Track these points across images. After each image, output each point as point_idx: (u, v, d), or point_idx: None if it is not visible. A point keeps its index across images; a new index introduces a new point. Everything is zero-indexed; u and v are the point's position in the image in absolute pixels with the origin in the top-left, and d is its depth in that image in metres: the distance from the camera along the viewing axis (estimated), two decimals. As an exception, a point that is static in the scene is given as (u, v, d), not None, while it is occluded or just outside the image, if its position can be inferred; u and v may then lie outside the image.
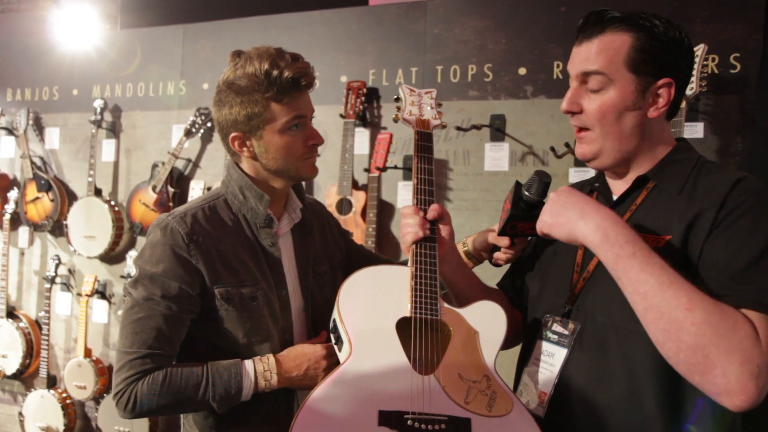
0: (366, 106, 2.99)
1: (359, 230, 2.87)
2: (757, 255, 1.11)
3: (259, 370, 1.42)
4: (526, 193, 1.38)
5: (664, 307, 1.06)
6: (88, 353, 3.38)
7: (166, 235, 1.41)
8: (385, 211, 2.92)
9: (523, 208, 1.39)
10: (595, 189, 1.41)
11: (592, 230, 1.17)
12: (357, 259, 1.71)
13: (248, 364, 1.43)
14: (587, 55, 1.25)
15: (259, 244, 1.49)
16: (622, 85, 1.24)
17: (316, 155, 1.52)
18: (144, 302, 1.39)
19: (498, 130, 2.77)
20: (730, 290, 1.10)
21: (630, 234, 1.15)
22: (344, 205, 2.91)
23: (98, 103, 3.45)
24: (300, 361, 1.45)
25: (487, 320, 1.38)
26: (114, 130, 3.55)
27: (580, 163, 2.61)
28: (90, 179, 3.42)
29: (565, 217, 1.22)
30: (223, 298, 1.42)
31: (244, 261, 1.46)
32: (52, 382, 3.56)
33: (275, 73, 1.39)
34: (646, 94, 1.25)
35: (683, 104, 2.28)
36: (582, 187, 1.50)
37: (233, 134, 1.46)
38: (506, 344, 1.39)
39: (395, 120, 1.59)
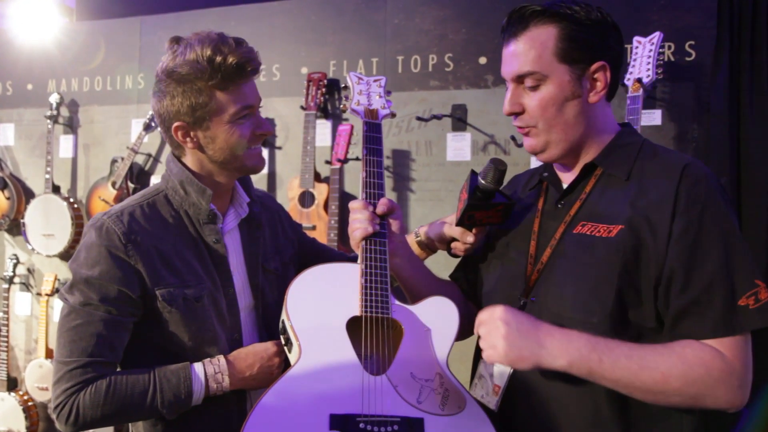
0: (327, 98, 2.93)
1: (322, 223, 2.84)
2: (712, 270, 1.16)
3: (209, 372, 1.37)
4: (482, 181, 1.36)
5: (645, 388, 1.16)
6: (49, 354, 3.30)
7: (101, 235, 1.35)
8: (348, 204, 2.89)
9: (480, 197, 1.37)
10: (544, 179, 1.41)
11: (557, 357, 1.17)
12: (310, 253, 1.67)
13: (197, 366, 1.38)
14: (516, 56, 1.26)
15: (203, 241, 1.43)
16: (557, 77, 1.24)
17: (261, 145, 1.47)
18: (81, 308, 1.32)
19: (459, 119, 2.76)
20: (690, 319, 1.17)
21: (586, 341, 1.17)
22: (307, 198, 2.88)
23: (54, 98, 3.36)
24: (252, 361, 1.41)
25: (440, 316, 1.36)
26: (71, 126, 3.47)
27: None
28: (47, 176, 3.33)
29: (528, 351, 1.18)
30: (165, 300, 1.36)
31: (186, 260, 1.40)
32: (12, 385, 3.47)
33: (219, 59, 1.32)
34: (582, 81, 1.26)
35: (640, 91, 2.29)
36: (531, 176, 1.49)
37: (176, 124, 1.38)
38: (459, 336, 1.38)
39: (343, 110, 1.56)
